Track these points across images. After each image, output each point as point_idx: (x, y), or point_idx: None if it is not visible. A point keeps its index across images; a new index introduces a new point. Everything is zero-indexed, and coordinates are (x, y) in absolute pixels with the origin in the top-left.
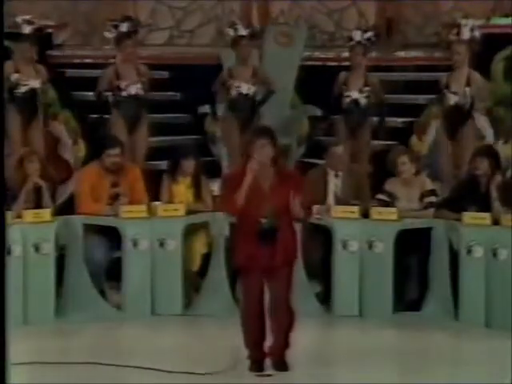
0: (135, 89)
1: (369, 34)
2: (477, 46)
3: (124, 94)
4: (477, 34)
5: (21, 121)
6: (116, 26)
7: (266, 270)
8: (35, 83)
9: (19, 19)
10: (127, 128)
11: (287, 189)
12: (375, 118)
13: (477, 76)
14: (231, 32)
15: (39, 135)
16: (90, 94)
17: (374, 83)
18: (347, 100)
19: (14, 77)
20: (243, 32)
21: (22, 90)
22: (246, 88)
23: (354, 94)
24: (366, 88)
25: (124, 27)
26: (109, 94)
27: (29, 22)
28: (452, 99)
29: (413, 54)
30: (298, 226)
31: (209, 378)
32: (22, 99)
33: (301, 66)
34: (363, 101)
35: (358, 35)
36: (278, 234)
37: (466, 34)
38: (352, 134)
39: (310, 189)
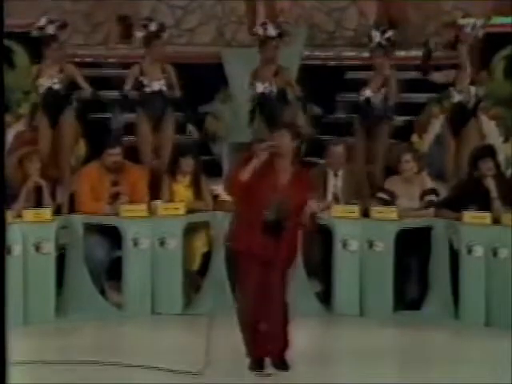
0: (158, 85)
1: (388, 34)
2: (479, 45)
3: (148, 90)
4: (479, 32)
5: (49, 119)
6: (145, 26)
7: (265, 263)
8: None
9: (42, 21)
10: (152, 126)
11: (302, 190)
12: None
13: (483, 75)
14: (260, 31)
15: (68, 132)
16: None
17: (390, 84)
18: (361, 99)
19: (41, 79)
20: (272, 32)
21: (45, 87)
22: (262, 87)
23: (367, 93)
24: (383, 88)
25: (153, 26)
26: (134, 92)
27: (51, 22)
28: (456, 97)
29: (413, 53)
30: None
31: (209, 376)
32: (48, 97)
33: (301, 65)
34: (375, 100)
35: (377, 36)
36: (285, 230)
37: (467, 34)
38: (368, 133)
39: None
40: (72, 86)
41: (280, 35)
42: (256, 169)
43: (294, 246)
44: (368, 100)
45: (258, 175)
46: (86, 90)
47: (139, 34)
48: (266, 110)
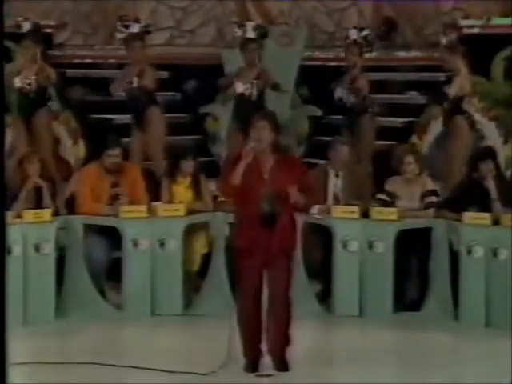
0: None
1: (365, 33)
2: (457, 48)
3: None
4: (452, 36)
5: (22, 120)
6: (127, 27)
7: (265, 257)
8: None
9: (19, 19)
10: (138, 127)
11: (287, 175)
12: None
13: (467, 77)
14: (239, 33)
15: (42, 134)
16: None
17: (362, 83)
18: (335, 98)
19: (16, 79)
20: (251, 34)
21: (18, 87)
22: (243, 88)
23: (339, 93)
24: (353, 87)
25: (135, 28)
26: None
27: (26, 19)
28: (446, 99)
29: (413, 53)
30: (299, 219)
31: (208, 377)
32: (20, 97)
33: (301, 65)
34: (349, 99)
35: (354, 34)
36: (277, 219)
37: (443, 40)
38: (351, 133)
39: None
40: (46, 88)
41: (260, 37)
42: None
43: (290, 236)
44: (340, 99)
45: (245, 173)
46: (78, 91)
47: (119, 36)
48: (242, 111)
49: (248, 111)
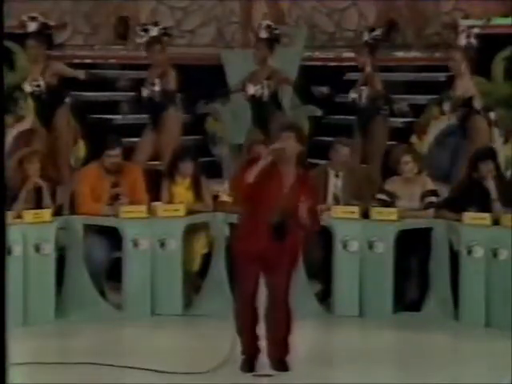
0: (147, 91)
1: (375, 33)
2: (473, 53)
3: (144, 94)
4: (473, 40)
5: (41, 121)
6: (146, 30)
7: (268, 265)
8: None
9: (24, 17)
10: (152, 128)
11: (304, 194)
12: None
13: (474, 79)
14: (263, 34)
15: (62, 132)
16: (89, 94)
17: (374, 83)
18: (349, 99)
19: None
20: (263, 35)
21: (30, 90)
22: (253, 89)
23: (352, 94)
24: (363, 87)
25: (154, 31)
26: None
27: (33, 19)
28: (446, 101)
29: (412, 54)
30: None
31: (208, 377)
32: (35, 99)
33: (301, 66)
34: (360, 99)
35: (365, 35)
36: (287, 233)
37: (462, 41)
38: (363, 133)
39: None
40: (63, 83)
41: (273, 38)
42: (261, 171)
43: (297, 248)
44: (354, 100)
45: (263, 178)
46: (80, 74)
47: (140, 40)
48: (257, 112)
49: (262, 112)
